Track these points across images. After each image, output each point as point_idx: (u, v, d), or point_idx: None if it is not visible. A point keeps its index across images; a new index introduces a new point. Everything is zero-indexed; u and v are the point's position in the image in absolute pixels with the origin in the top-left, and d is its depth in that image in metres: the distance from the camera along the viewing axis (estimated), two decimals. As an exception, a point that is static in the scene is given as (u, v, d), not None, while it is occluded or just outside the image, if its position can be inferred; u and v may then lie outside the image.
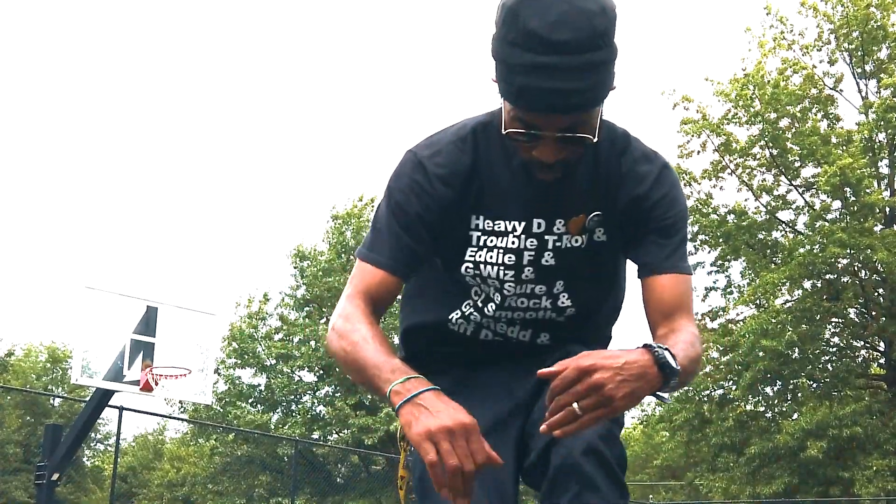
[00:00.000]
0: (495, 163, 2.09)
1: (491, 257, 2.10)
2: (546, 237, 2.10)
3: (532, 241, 2.10)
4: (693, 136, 25.14)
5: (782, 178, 25.29)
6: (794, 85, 24.64)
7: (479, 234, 2.10)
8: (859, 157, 22.58)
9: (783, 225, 25.61)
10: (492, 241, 2.09)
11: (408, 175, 2.09)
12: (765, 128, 24.50)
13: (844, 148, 23.63)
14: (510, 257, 2.10)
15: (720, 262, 25.98)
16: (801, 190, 25.23)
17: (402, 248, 2.07)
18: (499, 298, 2.15)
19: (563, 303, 2.16)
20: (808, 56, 25.01)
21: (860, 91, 24.84)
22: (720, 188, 26.03)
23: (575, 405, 1.70)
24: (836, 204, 24.08)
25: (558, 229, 2.09)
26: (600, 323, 2.29)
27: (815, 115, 24.95)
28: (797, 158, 24.75)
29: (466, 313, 2.21)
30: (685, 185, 25.42)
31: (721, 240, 25.40)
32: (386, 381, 1.85)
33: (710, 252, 26.12)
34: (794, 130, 24.64)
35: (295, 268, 32.14)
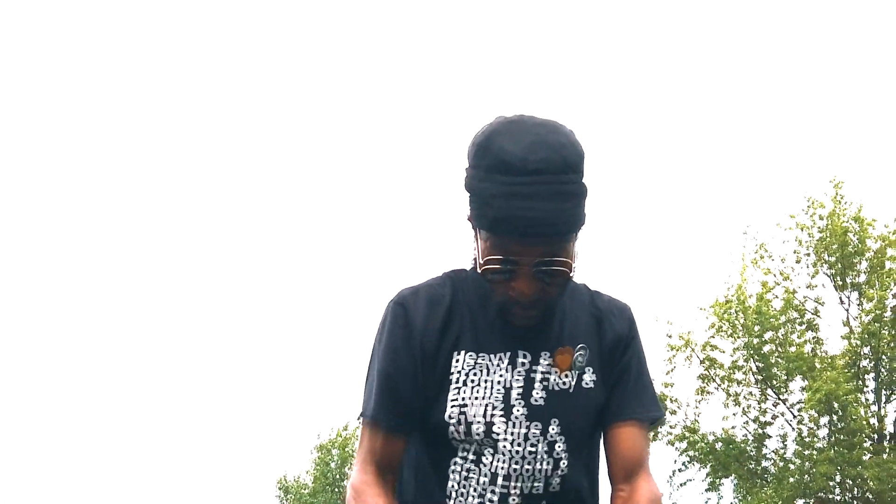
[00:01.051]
0: (473, 305, 2.07)
1: (477, 394, 2.01)
2: (533, 372, 2.03)
3: (519, 375, 2.02)
4: (677, 353, 24.98)
5: (769, 391, 25.01)
6: (775, 305, 24.73)
7: (461, 372, 2.02)
8: (843, 381, 22.42)
9: (772, 452, 25.12)
10: (475, 375, 2.02)
11: (390, 321, 2.07)
12: (749, 347, 24.43)
13: (829, 365, 23.48)
14: (498, 392, 2.01)
15: (710, 479, 25.28)
16: (788, 405, 24.93)
17: (397, 402, 2.03)
18: (491, 446, 2.00)
19: (558, 452, 2.02)
20: (789, 277, 25.21)
21: (842, 309, 24.89)
22: (706, 401, 25.65)
23: None
24: (825, 421, 23.74)
25: (545, 361, 2.04)
26: (592, 490, 2.13)
27: (800, 333, 24.93)
28: (784, 377, 24.56)
29: (459, 490, 2.04)
30: (671, 413, 25.17)
31: (710, 457, 24.84)
32: None
33: (700, 469, 25.48)
34: (778, 350, 24.57)
35: (278, 499, 31.34)
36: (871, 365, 24.02)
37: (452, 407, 2.00)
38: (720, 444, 24.92)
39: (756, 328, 24.24)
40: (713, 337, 25.05)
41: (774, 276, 25.23)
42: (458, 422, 2.00)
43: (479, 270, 1.96)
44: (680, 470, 25.15)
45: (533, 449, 2.00)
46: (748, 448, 24.99)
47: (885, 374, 23.98)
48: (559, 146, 1.89)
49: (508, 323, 2.02)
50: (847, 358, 23.59)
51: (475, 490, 2.01)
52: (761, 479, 24.81)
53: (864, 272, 24.35)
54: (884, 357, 23.67)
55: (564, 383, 2.03)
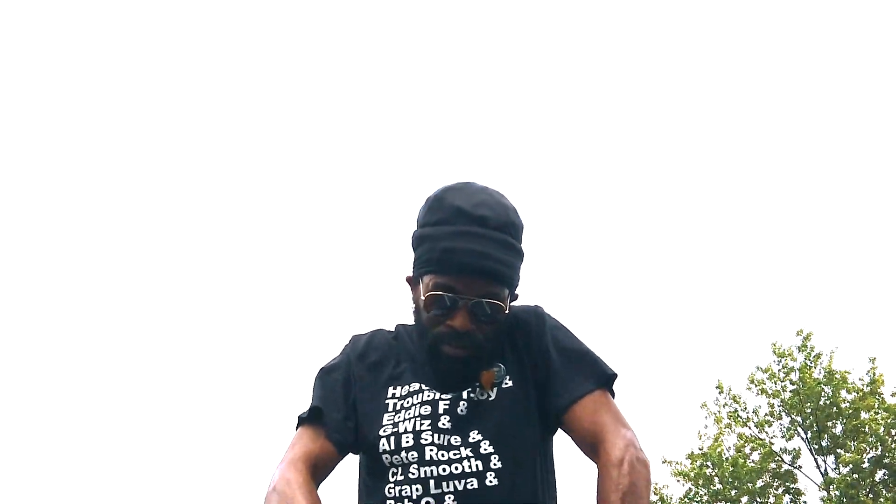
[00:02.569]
0: (413, 349, 2.26)
1: (408, 415, 2.16)
2: (461, 392, 2.17)
3: (446, 396, 2.17)
4: (654, 517, 24.70)
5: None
6: (752, 461, 24.53)
7: (395, 400, 2.19)
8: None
9: None
10: (407, 402, 2.18)
11: (339, 353, 2.32)
12: (727, 507, 24.15)
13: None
14: (426, 408, 2.16)
15: None
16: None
17: (336, 416, 2.20)
18: (416, 455, 2.12)
19: (485, 449, 2.12)
20: (764, 432, 25.09)
21: (819, 467, 24.72)
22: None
23: None
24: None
25: (472, 385, 2.17)
26: (536, 492, 2.17)
27: (777, 490, 24.69)
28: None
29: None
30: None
31: None
32: None
33: None
34: (756, 501, 24.31)
35: None
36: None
37: (386, 425, 2.16)
38: None
39: (733, 483, 24.01)
40: (689, 494, 24.78)
41: (750, 428, 25.16)
42: (390, 435, 2.14)
43: (420, 306, 2.16)
44: None
45: (457, 452, 2.11)
46: None
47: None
48: (504, 207, 2.15)
49: (439, 360, 2.16)
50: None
51: (411, 500, 2.10)
52: None
53: (840, 435, 24.27)
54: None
55: (486, 395, 2.16)
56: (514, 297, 2.19)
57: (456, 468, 2.09)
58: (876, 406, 23.94)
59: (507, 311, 2.15)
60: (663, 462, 25.35)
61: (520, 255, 2.16)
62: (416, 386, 2.20)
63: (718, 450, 24.57)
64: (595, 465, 2.08)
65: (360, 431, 2.20)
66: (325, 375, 2.27)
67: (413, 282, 2.22)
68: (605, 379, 2.17)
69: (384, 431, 2.15)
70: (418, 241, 2.17)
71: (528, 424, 2.17)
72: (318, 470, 2.16)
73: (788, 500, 24.59)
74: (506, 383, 2.17)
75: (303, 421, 2.23)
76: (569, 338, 2.24)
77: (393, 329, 2.35)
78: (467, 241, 2.08)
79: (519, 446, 2.14)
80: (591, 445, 2.09)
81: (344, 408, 2.21)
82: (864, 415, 23.90)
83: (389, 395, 2.20)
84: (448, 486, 2.09)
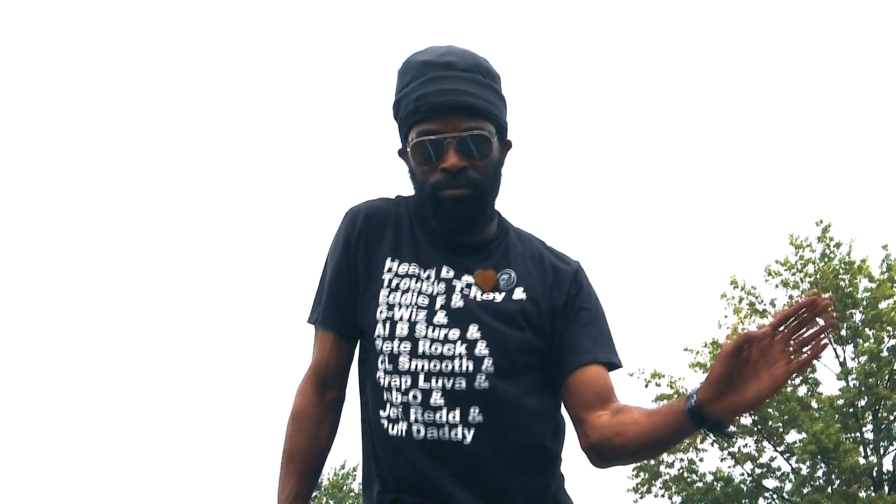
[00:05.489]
0: (413, 222, 2.23)
1: (405, 299, 2.14)
2: (454, 283, 2.15)
3: (442, 286, 2.15)
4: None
5: (766, 443, 24.78)
6: (770, 351, 24.51)
7: (392, 276, 2.17)
8: (833, 423, 22.26)
9: (769, 492, 24.90)
10: (405, 283, 2.16)
11: (336, 234, 2.27)
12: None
13: (824, 413, 23.30)
14: (423, 299, 2.13)
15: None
16: (786, 456, 24.68)
17: (339, 306, 2.20)
18: (409, 346, 2.10)
19: (480, 352, 2.08)
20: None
21: (838, 357, 24.69)
22: (700, 459, 25.43)
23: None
24: (823, 469, 23.54)
25: (467, 280, 2.16)
26: (536, 412, 2.14)
27: (794, 379, 24.70)
28: (780, 424, 24.33)
29: (388, 397, 2.12)
30: (668, 454, 24.96)
31: (708, 496, 24.62)
32: None
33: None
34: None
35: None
36: (869, 410, 23.79)
37: (381, 306, 2.15)
38: (719, 483, 24.72)
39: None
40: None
41: (768, 318, 25.05)
42: (386, 319, 2.13)
43: (413, 166, 2.15)
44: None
45: (450, 348, 2.08)
46: (745, 488, 24.78)
47: (883, 417, 23.82)
48: (471, 53, 2.18)
49: (440, 239, 2.18)
50: (845, 398, 23.40)
51: (399, 391, 2.10)
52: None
53: (860, 323, 24.10)
54: (881, 405, 23.48)
55: (489, 296, 2.14)
56: (509, 144, 2.22)
57: (447, 365, 2.08)
58: (896, 296, 23.80)
59: (497, 148, 2.16)
60: (684, 350, 25.29)
61: (497, 94, 2.17)
62: (414, 268, 2.18)
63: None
64: (588, 413, 2.09)
65: (357, 308, 2.21)
66: (329, 259, 2.27)
67: (404, 152, 2.21)
68: (612, 366, 2.18)
69: (380, 314, 2.14)
70: (396, 108, 2.19)
71: (530, 339, 2.14)
72: (333, 378, 2.22)
73: (805, 390, 24.63)
74: (517, 295, 2.15)
75: (312, 321, 2.25)
76: (600, 313, 2.23)
77: (393, 199, 2.32)
78: (436, 84, 2.10)
79: (517, 356, 2.12)
80: (600, 397, 2.10)
81: (345, 295, 2.21)
82: (882, 304, 23.74)
83: (386, 268, 2.19)
84: (437, 382, 2.08)
